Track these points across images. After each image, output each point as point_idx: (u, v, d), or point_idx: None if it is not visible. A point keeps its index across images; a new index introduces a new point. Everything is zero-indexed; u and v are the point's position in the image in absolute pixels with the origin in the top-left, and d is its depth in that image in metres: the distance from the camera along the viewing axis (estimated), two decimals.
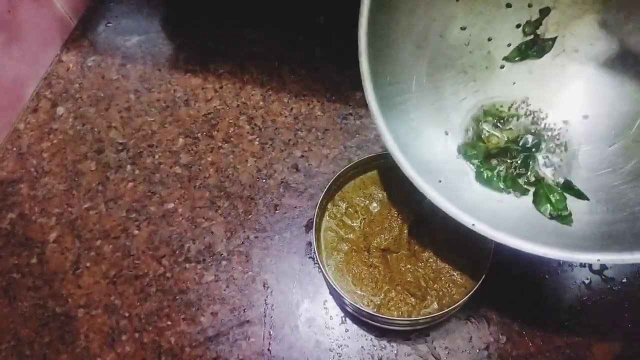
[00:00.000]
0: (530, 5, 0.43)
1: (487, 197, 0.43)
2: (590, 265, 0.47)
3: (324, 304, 0.47)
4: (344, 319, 0.46)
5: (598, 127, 0.44)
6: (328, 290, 0.47)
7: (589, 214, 0.40)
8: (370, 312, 0.41)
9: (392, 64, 0.41)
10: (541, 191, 0.42)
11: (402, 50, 0.42)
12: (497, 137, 0.46)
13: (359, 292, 0.44)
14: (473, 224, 0.37)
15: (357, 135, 0.55)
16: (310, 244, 0.50)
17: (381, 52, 0.40)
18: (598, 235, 0.38)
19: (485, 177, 0.44)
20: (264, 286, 0.48)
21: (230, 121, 0.58)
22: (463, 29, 0.44)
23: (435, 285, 0.43)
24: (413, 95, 0.44)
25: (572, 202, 0.41)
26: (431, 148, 0.44)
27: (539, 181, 0.43)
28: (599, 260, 0.35)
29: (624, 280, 0.47)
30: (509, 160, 0.45)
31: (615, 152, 0.42)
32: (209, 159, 0.55)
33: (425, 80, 0.45)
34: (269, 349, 0.45)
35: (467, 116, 0.46)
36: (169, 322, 0.47)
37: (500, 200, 0.43)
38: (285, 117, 0.57)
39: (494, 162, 0.45)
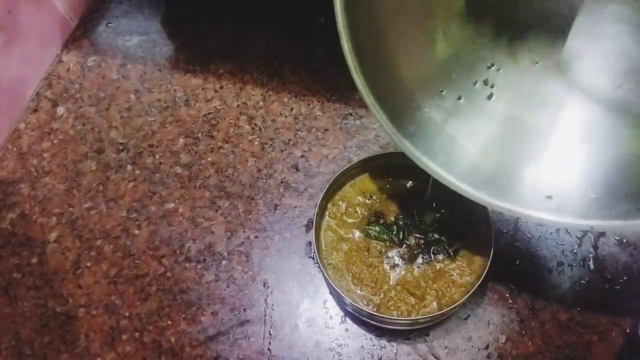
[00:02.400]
0: None
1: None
2: (590, 265, 0.47)
3: (324, 304, 0.47)
4: (344, 318, 0.46)
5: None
6: (328, 290, 0.47)
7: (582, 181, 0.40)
8: (370, 311, 0.41)
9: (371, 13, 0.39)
10: None
11: None
12: None
13: (359, 291, 0.44)
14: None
15: (357, 135, 0.55)
16: (310, 243, 0.50)
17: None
18: (592, 202, 0.38)
19: None
20: (264, 286, 0.48)
21: (231, 121, 0.58)
22: None
23: (435, 285, 0.43)
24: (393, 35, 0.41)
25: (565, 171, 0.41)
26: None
27: None
28: (592, 227, 0.35)
29: (624, 279, 0.47)
30: None
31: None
32: (209, 159, 0.55)
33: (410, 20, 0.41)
34: (269, 349, 0.46)
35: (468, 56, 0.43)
36: (169, 322, 0.47)
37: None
38: (286, 117, 0.57)
39: None
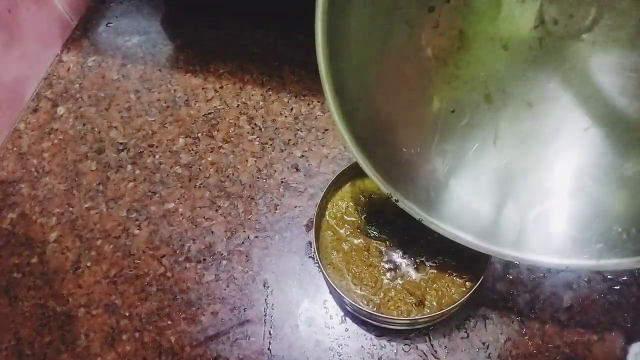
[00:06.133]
0: None
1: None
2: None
3: (324, 304, 0.47)
4: (344, 318, 0.46)
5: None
6: (328, 290, 0.47)
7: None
8: (370, 311, 0.41)
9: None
10: None
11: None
12: None
13: (359, 291, 0.44)
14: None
15: None
16: (310, 243, 0.50)
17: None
18: (567, 242, 0.38)
19: None
20: (264, 285, 0.48)
21: (231, 121, 0.58)
22: None
23: (435, 285, 0.43)
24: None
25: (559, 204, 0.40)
26: None
27: None
28: (567, 267, 0.36)
29: (624, 279, 0.47)
30: None
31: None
32: (209, 158, 0.55)
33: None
34: (269, 348, 0.46)
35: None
36: (169, 322, 0.47)
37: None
38: (286, 117, 0.57)
39: None
